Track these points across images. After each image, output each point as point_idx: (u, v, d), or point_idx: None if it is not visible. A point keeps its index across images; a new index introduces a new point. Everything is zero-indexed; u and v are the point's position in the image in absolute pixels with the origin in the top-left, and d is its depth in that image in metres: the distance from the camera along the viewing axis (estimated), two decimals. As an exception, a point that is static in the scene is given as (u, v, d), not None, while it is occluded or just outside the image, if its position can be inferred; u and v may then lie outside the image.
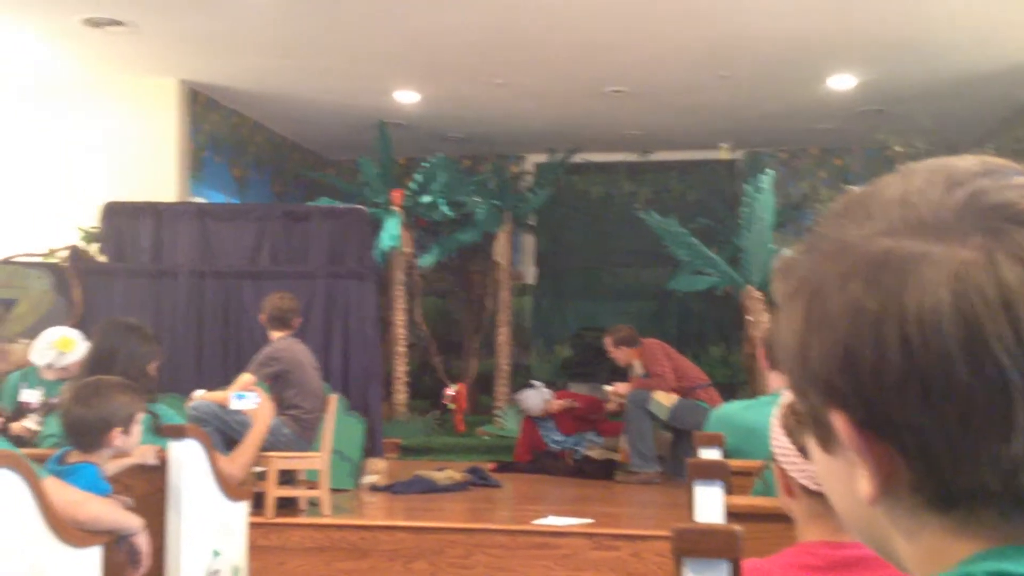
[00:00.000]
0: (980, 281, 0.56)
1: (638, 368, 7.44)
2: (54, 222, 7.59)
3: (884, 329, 0.58)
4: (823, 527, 1.61)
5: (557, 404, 7.76)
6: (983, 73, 7.42)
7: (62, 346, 5.05)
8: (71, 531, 2.57)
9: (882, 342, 0.58)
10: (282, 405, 5.51)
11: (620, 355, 7.46)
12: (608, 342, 7.49)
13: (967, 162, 0.63)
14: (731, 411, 3.25)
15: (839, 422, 0.61)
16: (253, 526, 3.99)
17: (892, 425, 0.59)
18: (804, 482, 1.62)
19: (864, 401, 0.59)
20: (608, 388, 7.75)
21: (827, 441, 0.65)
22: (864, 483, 0.61)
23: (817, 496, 1.62)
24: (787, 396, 1.73)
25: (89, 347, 3.71)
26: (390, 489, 6.59)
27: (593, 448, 7.70)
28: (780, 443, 1.67)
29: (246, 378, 5.57)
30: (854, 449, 0.61)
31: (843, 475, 0.64)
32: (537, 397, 7.79)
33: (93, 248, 7.41)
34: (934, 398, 0.57)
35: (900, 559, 0.64)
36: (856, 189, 0.65)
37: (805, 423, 0.67)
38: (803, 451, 1.63)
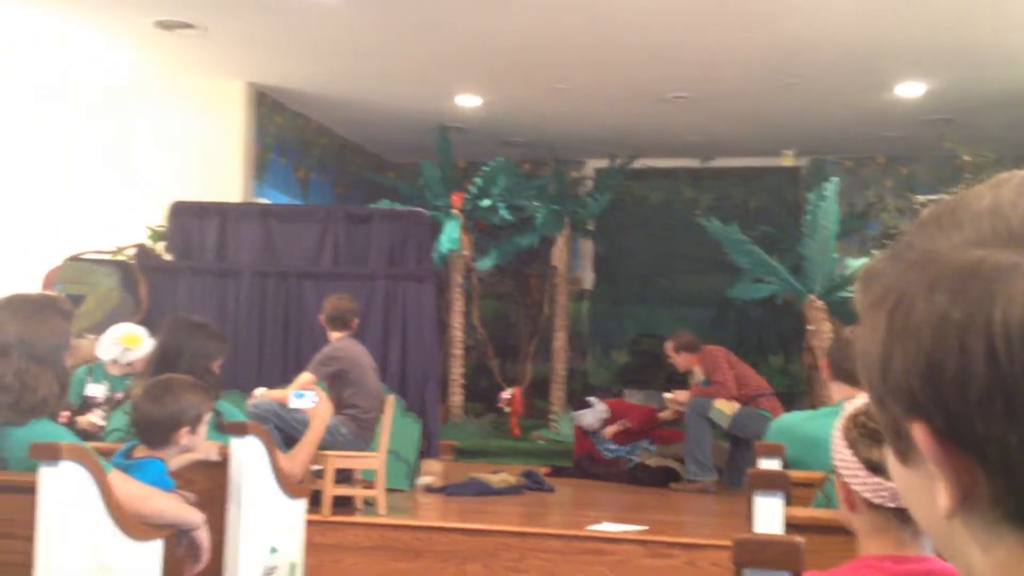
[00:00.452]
0: None
1: (698, 375, 7.36)
2: (123, 220, 7.75)
3: (969, 340, 0.57)
4: (885, 541, 1.59)
5: (611, 430, 7.73)
6: (1056, 82, 7.26)
7: (128, 342, 5.14)
8: (134, 524, 2.62)
9: (967, 353, 0.57)
10: (340, 405, 5.56)
11: (681, 361, 7.38)
12: (669, 347, 7.41)
13: None
14: (792, 421, 3.21)
15: (919, 433, 0.60)
16: (310, 524, 4.03)
17: (973, 438, 0.58)
18: (867, 496, 1.60)
19: (945, 412, 0.59)
20: (667, 395, 7.67)
21: (906, 453, 0.64)
22: (943, 496, 0.60)
23: (880, 510, 1.59)
24: (850, 408, 1.71)
25: (155, 344, 3.77)
26: (445, 491, 6.61)
27: (648, 456, 7.65)
28: (842, 456, 1.65)
29: (305, 377, 5.63)
30: (933, 461, 0.60)
31: (922, 488, 0.63)
32: (592, 416, 7.76)
33: (159, 246, 7.55)
34: (1018, 412, 0.56)
35: (976, 573, 0.63)
36: (946, 198, 0.64)
37: (884, 434, 0.66)
38: (866, 464, 1.61)
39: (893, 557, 1.57)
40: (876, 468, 1.59)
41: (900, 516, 1.58)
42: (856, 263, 8.65)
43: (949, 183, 7.80)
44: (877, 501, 1.59)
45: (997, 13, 6.01)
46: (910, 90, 7.63)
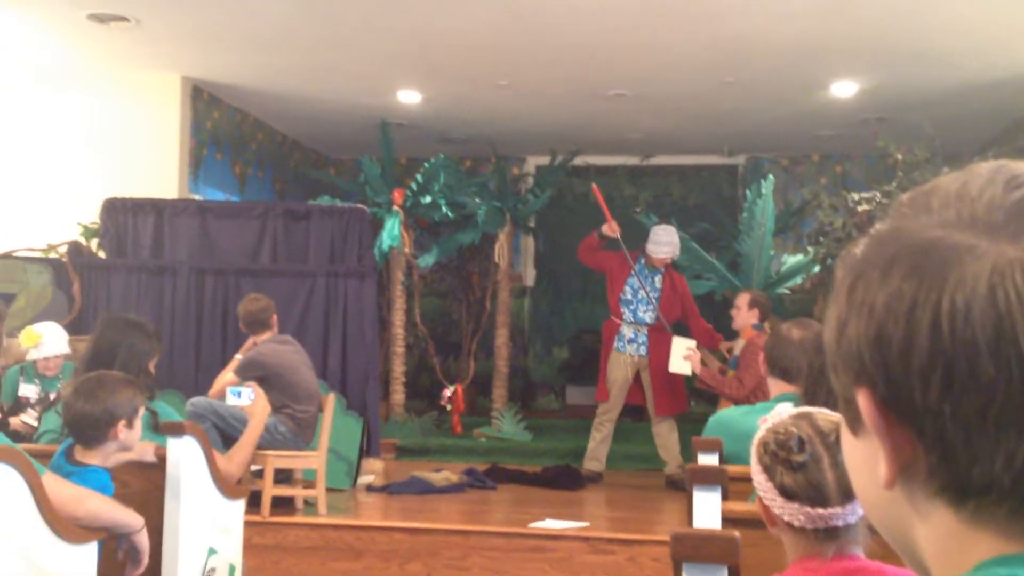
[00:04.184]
0: (1020, 279, 0.58)
1: (736, 348, 6.80)
2: (54, 217, 7.59)
3: (917, 313, 0.60)
4: (810, 556, 1.61)
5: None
6: (985, 82, 7.42)
7: (25, 341, 5.02)
8: (68, 527, 2.57)
9: (914, 325, 0.60)
10: (274, 405, 5.51)
11: (742, 319, 6.57)
12: (744, 299, 6.62)
13: None
14: (730, 416, 3.25)
15: (863, 400, 0.63)
16: (249, 524, 3.99)
17: (913, 408, 0.61)
18: (786, 519, 1.62)
19: (889, 381, 0.61)
20: (687, 347, 6.78)
21: (854, 424, 0.67)
22: (882, 466, 0.63)
23: (801, 531, 1.61)
24: (762, 430, 1.71)
25: (89, 342, 3.70)
26: (386, 489, 6.59)
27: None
28: (758, 479, 1.66)
29: (228, 379, 5.56)
30: (874, 429, 0.63)
31: (867, 458, 0.66)
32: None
33: (93, 244, 7.41)
34: (956, 387, 0.58)
35: (916, 546, 0.65)
36: (924, 185, 0.67)
37: (839, 403, 0.69)
38: (781, 491, 1.62)
39: (825, 558, 1.59)
40: (791, 495, 1.61)
41: (821, 535, 1.60)
42: (792, 259, 8.79)
43: (882, 181, 7.95)
44: (797, 524, 1.61)
45: (929, 14, 6.13)
46: (844, 89, 7.77)
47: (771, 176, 7.96)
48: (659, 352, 7.10)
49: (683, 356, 6.77)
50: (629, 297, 7.29)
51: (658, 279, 7.30)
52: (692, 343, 6.90)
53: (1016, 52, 6.65)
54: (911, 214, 0.65)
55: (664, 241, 7.25)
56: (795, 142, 9.62)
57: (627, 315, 7.27)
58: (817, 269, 8.11)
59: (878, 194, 7.36)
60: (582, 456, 7.43)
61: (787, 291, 8.49)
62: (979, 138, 8.72)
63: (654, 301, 7.21)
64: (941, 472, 0.61)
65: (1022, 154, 7.05)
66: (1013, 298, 0.57)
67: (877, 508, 0.67)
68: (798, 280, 8.47)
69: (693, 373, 6.71)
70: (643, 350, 7.23)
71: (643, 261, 7.29)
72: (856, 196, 7.64)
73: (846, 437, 0.69)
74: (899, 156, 7.30)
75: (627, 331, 7.27)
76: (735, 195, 10.21)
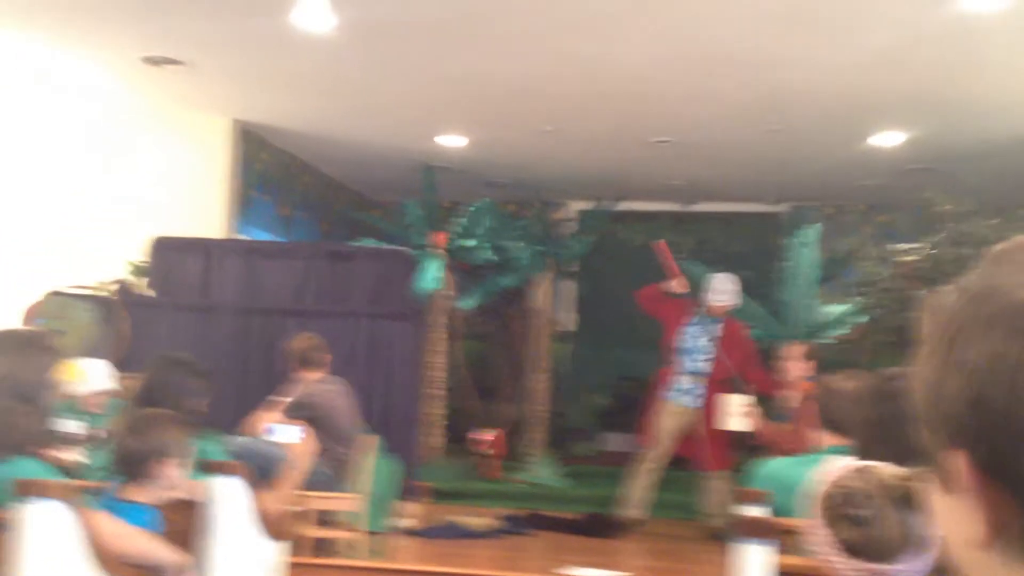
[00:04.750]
0: None
1: (792, 401, 6.37)
2: (104, 255, 7.71)
3: (1021, 377, 0.59)
4: None
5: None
6: (1034, 135, 7.37)
7: (66, 376, 5.07)
8: (116, 565, 2.58)
9: (1016, 389, 0.59)
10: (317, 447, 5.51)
11: (797, 371, 6.35)
12: (800, 351, 6.46)
13: None
14: (778, 467, 3.20)
15: (961, 462, 0.62)
16: (290, 566, 3.98)
17: (1014, 472, 0.60)
18: (849, 575, 1.58)
19: (989, 445, 0.60)
20: (745, 403, 6.41)
21: (948, 480, 0.66)
22: (979, 526, 0.62)
23: None
24: (826, 483, 1.68)
25: (141, 380, 3.74)
26: (423, 533, 6.56)
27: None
28: (819, 534, 1.62)
29: (276, 419, 5.57)
30: (972, 491, 0.62)
31: (960, 516, 0.65)
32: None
33: (141, 282, 7.51)
34: None
35: None
36: (1016, 239, 0.66)
37: (930, 458, 0.68)
38: (845, 546, 1.59)
39: None
40: (855, 551, 1.58)
41: None
42: (836, 309, 8.70)
43: (928, 232, 7.88)
44: None
45: (977, 67, 6.11)
46: (890, 139, 7.74)
47: (817, 224, 7.91)
48: (715, 404, 6.99)
49: (742, 413, 6.41)
50: (688, 346, 7.21)
51: (718, 328, 7.23)
52: (748, 399, 6.72)
53: (1066, 105, 6.60)
54: (1001, 269, 0.64)
55: (724, 289, 7.19)
56: (839, 191, 9.58)
57: (684, 364, 7.20)
58: (862, 319, 8.02)
59: (925, 246, 7.29)
60: (618, 503, 7.33)
61: (832, 341, 8.39)
62: (1027, 191, 8.63)
63: (711, 351, 7.10)
64: None
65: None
66: None
67: (969, 564, 0.66)
68: (842, 330, 8.38)
69: (754, 429, 6.47)
70: (699, 402, 7.12)
71: (703, 310, 7.21)
72: (902, 247, 7.57)
73: (937, 492, 0.68)
74: (946, 207, 7.24)
75: (684, 381, 7.18)
76: (778, 243, 10.15)
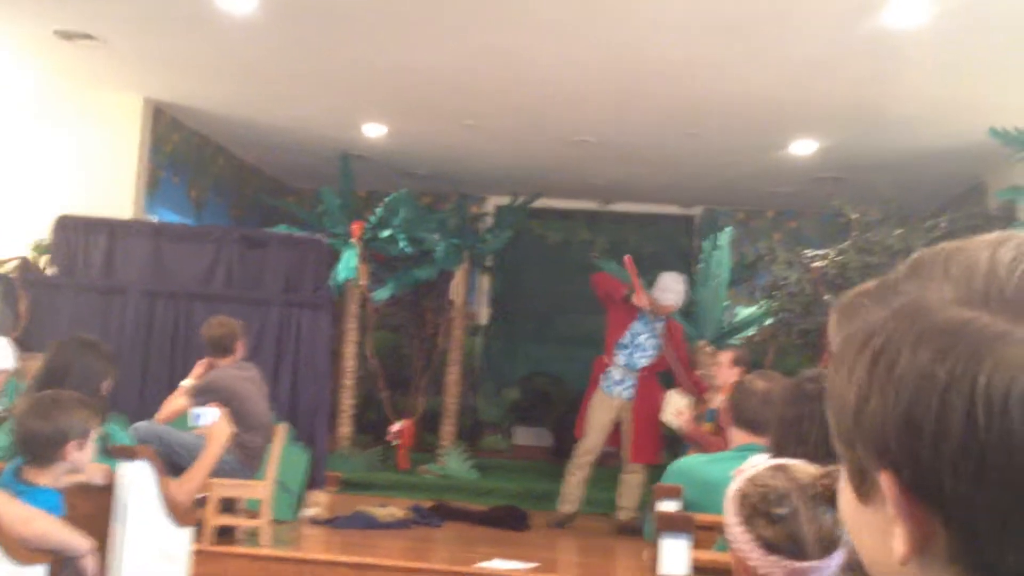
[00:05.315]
0: None
1: (714, 403, 6.44)
2: (5, 233, 7.45)
3: (950, 400, 0.57)
4: None
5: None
6: (941, 149, 7.60)
7: None
8: (16, 547, 2.49)
9: (946, 413, 0.57)
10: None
11: (724, 376, 6.25)
12: (728, 357, 6.42)
13: None
14: (692, 464, 3.25)
15: (886, 481, 0.61)
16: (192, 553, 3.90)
17: (940, 494, 0.58)
18: (764, 572, 1.60)
19: (917, 466, 0.59)
20: (679, 401, 6.57)
21: (865, 493, 0.64)
22: (900, 542, 0.61)
23: None
24: (739, 480, 1.70)
25: (43, 361, 3.62)
26: (331, 523, 6.49)
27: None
28: (735, 531, 1.64)
29: (179, 403, 5.45)
30: (897, 510, 0.61)
31: (877, 528, 0.64)
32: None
33: (43, 261, 7.27)
34: (991, 477, 0.56)
35: None
36: (944, 245, 0.64)
37: (846, 470, 0.67)
38: (762, 543, 1.61)
39: None
40: (772, 547, 1.60)
41: None
42: (745, 311, 8.88)
43: (835, 239, 8.08)
44: None
45: (891, 80, 6.28)
46: (803, 147, 7.91)
47: (729, 228, 8.06)
48: (646, 397, 7.08)
49: (676, 412, 6.54)
50: (627, 342, 7.27)
51: (660, 326, 7.31)
52: (687, 401, 6.72)
53: (970, 123, 6.82)
54: (929, 281, 0.62)
55: (671, 288, 7.26)
56: (752, 196, 9.76)
57: (620, 358, 7.26)
58: (770, 322, 8.20)
59: (832, 252, 7.48)
60: (528, 497, 7.35)
61: (739, 342, 8.57)
62: (933, 202, 8.91)
63: (656, 348, 7.18)
64: (967, 556, 0.59)
65: (974, 220, 7.21)
66: None
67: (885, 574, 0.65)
68: (750, 332, 8.55)
69: (680, 429, 6.55)
70: (629, 393, 7.20)
71: (647, 310, 7.24)
72: (811, 252, 7.75)
73: (850, 502, 0.67)
74: (853, 216, 7.43)
75: (616, 373, 7.25)
76: (690, 245, 10.32)
